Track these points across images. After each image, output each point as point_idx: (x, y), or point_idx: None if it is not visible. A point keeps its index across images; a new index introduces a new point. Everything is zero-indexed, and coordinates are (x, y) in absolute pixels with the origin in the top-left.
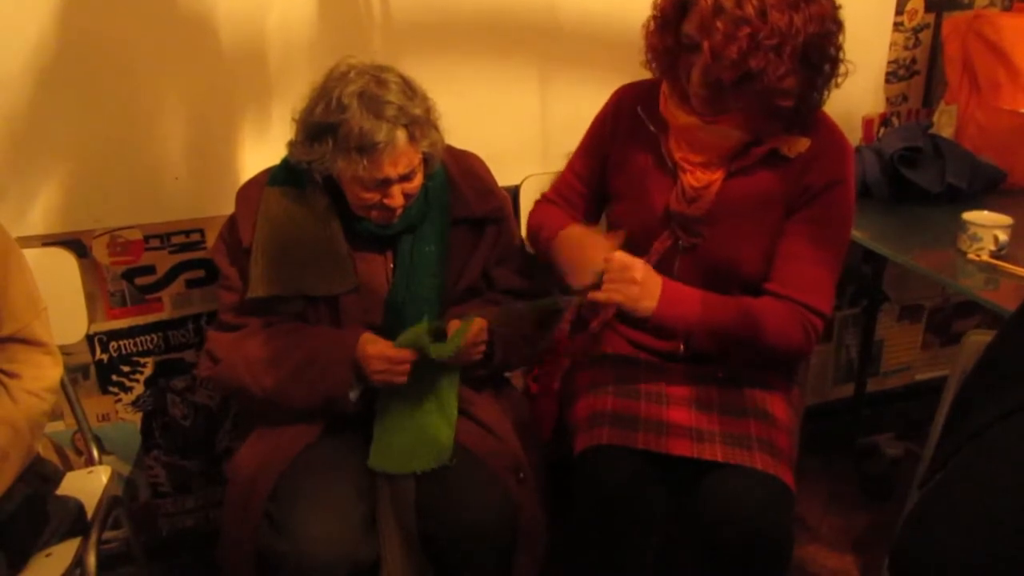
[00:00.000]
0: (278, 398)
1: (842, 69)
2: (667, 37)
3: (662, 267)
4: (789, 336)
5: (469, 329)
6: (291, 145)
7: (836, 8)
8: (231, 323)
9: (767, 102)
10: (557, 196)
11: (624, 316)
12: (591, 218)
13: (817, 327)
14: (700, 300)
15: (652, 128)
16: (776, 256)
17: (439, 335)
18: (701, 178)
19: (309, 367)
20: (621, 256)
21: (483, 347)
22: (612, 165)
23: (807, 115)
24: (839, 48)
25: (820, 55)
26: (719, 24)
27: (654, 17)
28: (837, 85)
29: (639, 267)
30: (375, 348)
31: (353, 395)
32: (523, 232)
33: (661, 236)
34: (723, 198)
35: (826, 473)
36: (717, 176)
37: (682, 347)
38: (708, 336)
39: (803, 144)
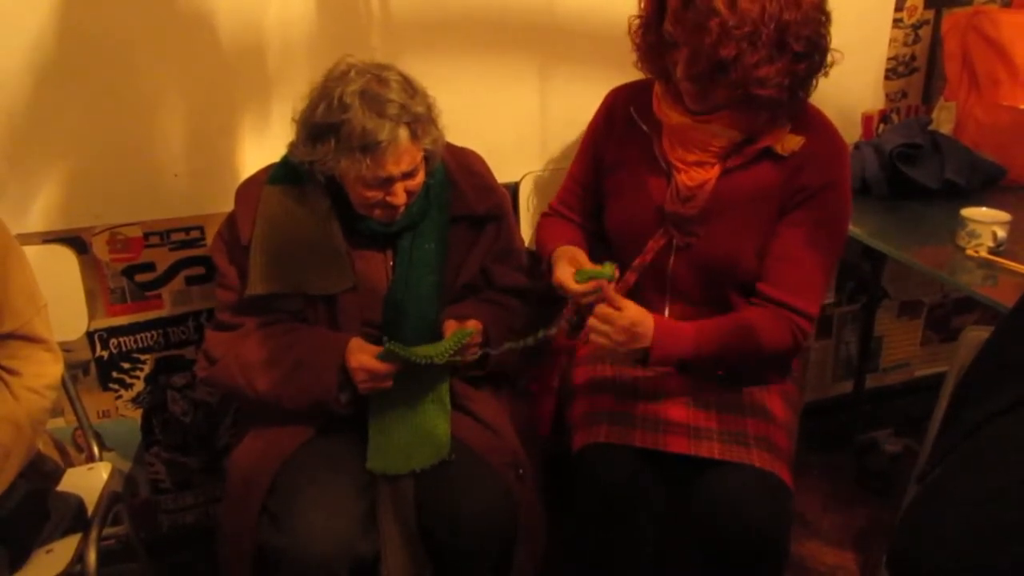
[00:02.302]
0: (270, 400)
1: (830, 59)
2: (650, 36)
3: (657, 266)
4: (778, 342)
5: (463, 336)
6: (292, 146)
7: None
8: (228, 322)
9: (747, 92)
10: (561, 205)
11: None
12: (597, 223)
13: (804, 329)
14: (693, 334)
15: (645, 128)
16: (768, 256)
17: (435, 336)
18: (695, 177)
19: (299, 371)
20: (606, 311)
21: (476, 349)
22: (606, 166)
23: (793, 106)
24: (825, 37)
25: (801, 43)
26: (690, 16)
27: (638, 17)
28: (825, 75)
29: (626, 317)
30: (358, 359)
31: (344, 397)
32: (526, 234)
33: (656, 235)
34: (717, 197)
35: (825, 469)
36: (711, 175)
37: None
38: (701, 364)
39: (796, 142)
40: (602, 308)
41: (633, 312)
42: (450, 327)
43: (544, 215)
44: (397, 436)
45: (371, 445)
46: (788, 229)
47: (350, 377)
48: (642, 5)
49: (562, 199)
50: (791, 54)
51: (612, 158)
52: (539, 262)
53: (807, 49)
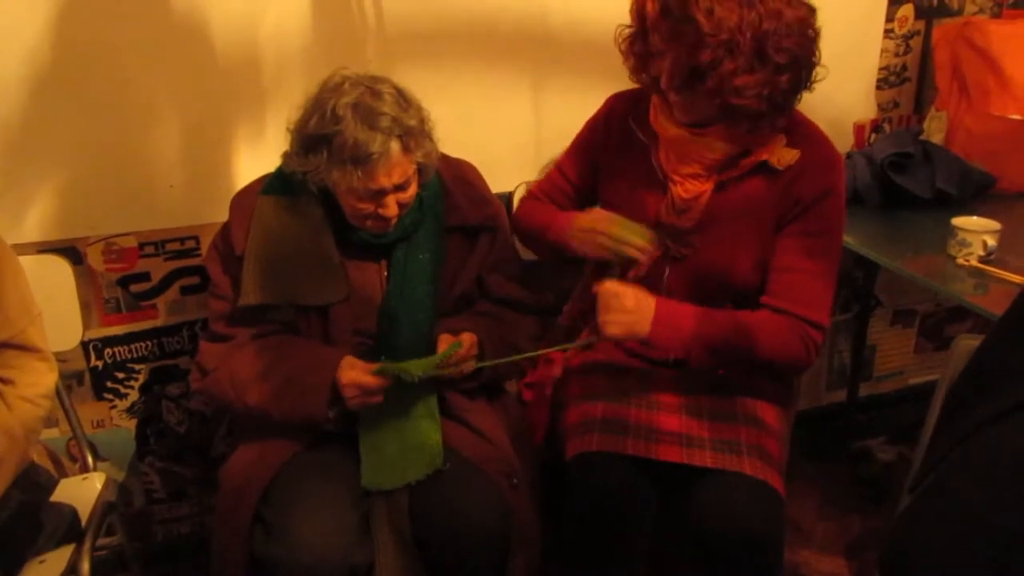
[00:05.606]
0: (260, 415)
1: (816, 74)
2: (638, 46)
3: (652, 277)
4: (788, 349)
5: (455, 349)
6: (286, 156)
7: (810, 11)
8: (221, 333)
9: (725, 102)
10: (544, 196)
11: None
12: None
13: (816, 340)
14: (693, 316)
15: (643, 139)
16: (771, 269)
17: (429, 347)
18: (690, 189)
19: (289, 388)
20: (610, 286)
21: (472, 361)
22: (603, 175)
23: (775, 117)
24: (811, 51)
25: (782, 54)
26: (668, 23)
27: (628, 27)
28: (810, 89)
29: (629, 294)
30: (350, 375)
31: (332, 413)
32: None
33: None
34: (712, 209)
35: (820, 478)
36: (706, 187)
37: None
38: (706, 352)
39: (792, 156)
40: (606, 290)
41: (633, 297)
42: (444, 341)
43: (528, 199)
44: (389, 451)
45: (364, 462)
46: (788, 241)
47: (339, 394)
48: (631, 14)
49: (545, 191)
50: (772, 65)
51: (609, 167)
52: (531, 241)
53: (789, 61)
